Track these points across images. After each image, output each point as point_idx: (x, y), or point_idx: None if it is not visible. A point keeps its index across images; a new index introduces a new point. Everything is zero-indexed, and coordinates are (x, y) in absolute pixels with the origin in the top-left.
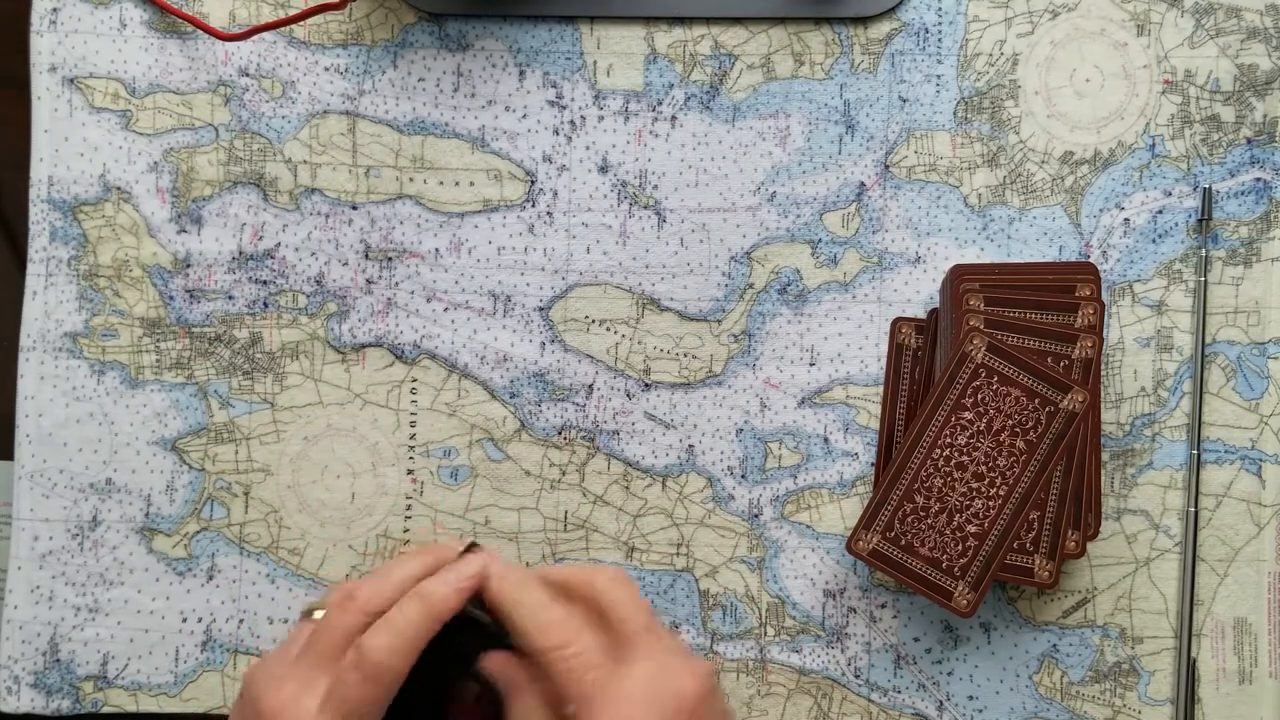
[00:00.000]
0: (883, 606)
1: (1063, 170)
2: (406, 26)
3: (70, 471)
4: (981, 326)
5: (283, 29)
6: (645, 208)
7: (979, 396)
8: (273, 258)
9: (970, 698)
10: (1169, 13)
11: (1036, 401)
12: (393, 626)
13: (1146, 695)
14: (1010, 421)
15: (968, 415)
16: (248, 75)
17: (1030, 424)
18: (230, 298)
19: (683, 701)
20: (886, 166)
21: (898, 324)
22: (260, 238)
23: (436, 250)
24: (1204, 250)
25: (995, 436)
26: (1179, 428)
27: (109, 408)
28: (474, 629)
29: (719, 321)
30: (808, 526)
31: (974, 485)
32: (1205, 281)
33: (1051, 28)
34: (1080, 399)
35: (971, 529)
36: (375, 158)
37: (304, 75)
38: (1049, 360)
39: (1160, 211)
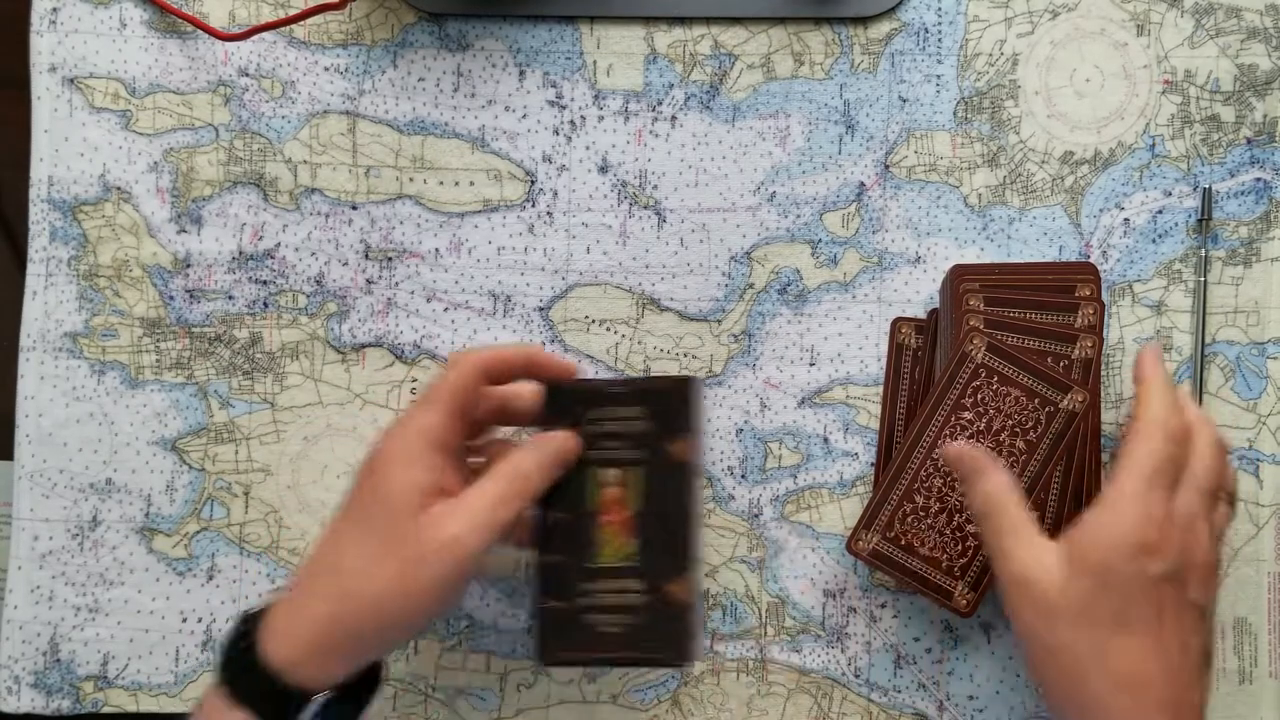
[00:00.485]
0: (883, 606)
1: (1063, 170)
2: (406, 26)
3: (70, 471)
4: (981, 326)
5: (283, 29)
6: (645, 208)
7: (979, 396)
8: (273, 258)
9: (970, 698)
10: (1169, 13)
11: (1036, 401)
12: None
13: None
14: (1010, 421)
15: (968, 415)
16: (248, 75)
17: (1030, 424)
18: (230, 298)
19: None
20: (886, 166)
21: (898, 324)
22: (260, 238)
23: (436, 250)
24: (1204, 250)
25: (995, 436)
26: None
27: (109, 408)
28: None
29: (719, 321)
30: (808, 526)
31: None
32: (1205, 281)
33: (1051, 28)
34: (1080, 399)
35: (971, 529)
36: (375, 158)
37: (304, 75)
38: (1049, 360)
39: (1160, 211)
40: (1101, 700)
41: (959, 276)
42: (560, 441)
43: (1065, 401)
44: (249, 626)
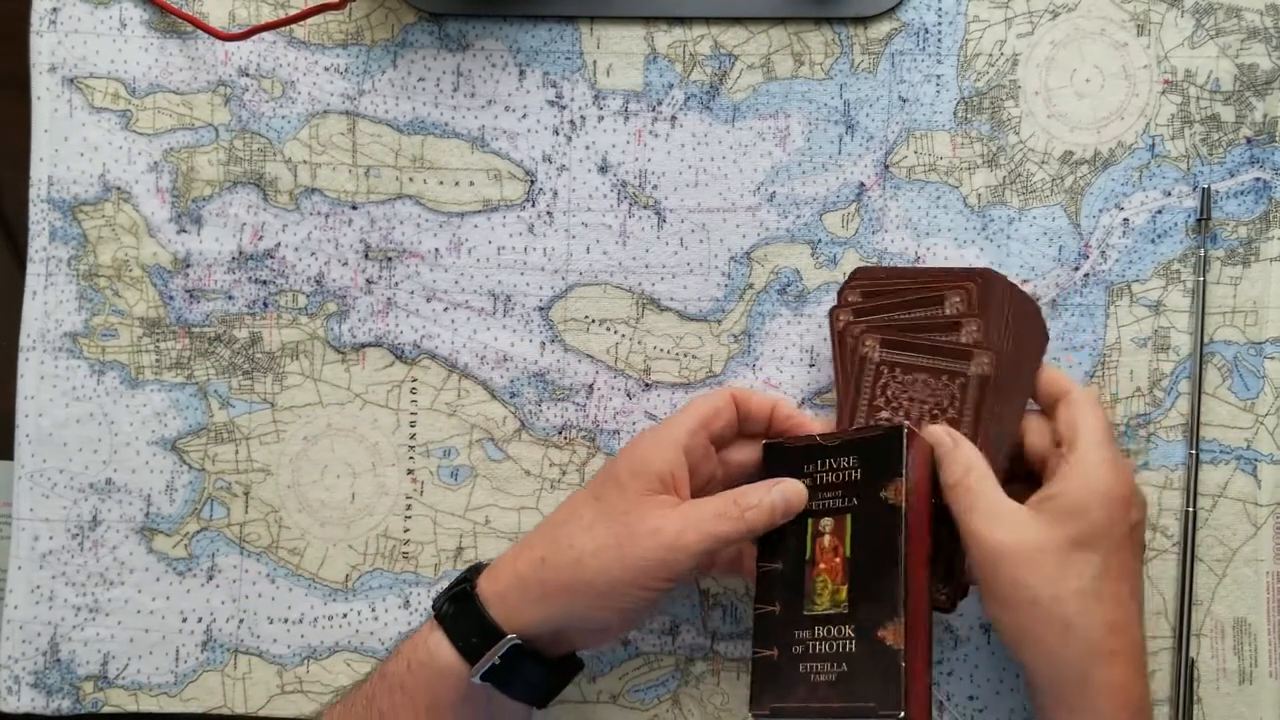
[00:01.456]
0: None
1: (1062, 170)
2: (406, 26)
3: (70, 471)
4: (863, 328)
5: (283, 29)
6: (645, 208)
7: (890, 393)
8: (273, 258)
9: (970, 698)
10: (1169, 13)
11: (945, 378)
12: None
13: None
14: (927, 406)
15: (884, 414)
16: (248, 75)
17: (946, 401)
18: (230, 298)
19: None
20: (886, 166)
21: (835, 313)
22: (260, 238)
23: (436, 250)
24: (1203, 250)
25: (917, 424)
26: (1175, 428)
27: (109, 408)
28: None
29: (719, 321)
30: None
31: None
32: (1204, 281)
33: (1051, 28)
34: (986, 360)
35: None
36: (375, 158)
37: (304, 75)
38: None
39: (1159, 211)
40: (1093, 646)
41: (850, 280)
42: (789, 487)
43: (972, 368)
44: (473, 570)
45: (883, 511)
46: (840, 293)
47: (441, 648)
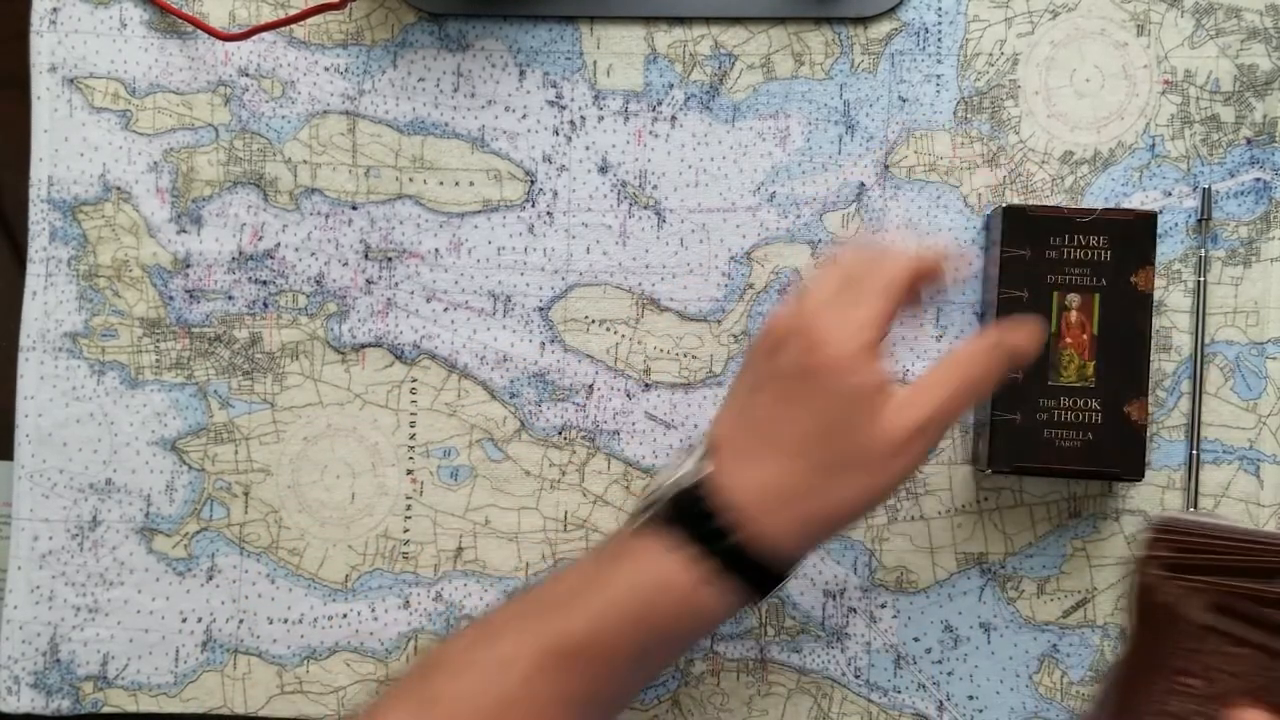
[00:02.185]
0: (883, 606)
1: (1063, 170)
2: (406, 26)
3: (70, 471)
4: (1187, 588)
5: (283, 29)
6: (645, 208)
7: (1206, 661)
8: (273, 258)
9: (970, 698)
10: (1169, 13)
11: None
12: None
13: None
14: (1248, 685)
15: (1193, 681)
16: (248, 75)
17: (1274, 686)
18: (230, 298)
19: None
20: (886, 166)
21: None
22: (260, 238)
23: (436, 250)
24: (1203, 250)
25: (1232, 702)
26: (1177, 428)
27: (109, 408)
28: None
29: (719, 322)
30: None
31: None
32: (1204, 281)
33: (1051, 28)
34: None
35: None
36: (375, 158)
37: (304, 75)
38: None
39: (1160, 212)
40: None
41: (1157, 531)
42: (1024, 338)
43: None
44: (702, 507)
45: (1131, 296)
46: (1150, 543)
47: (721, 601)
